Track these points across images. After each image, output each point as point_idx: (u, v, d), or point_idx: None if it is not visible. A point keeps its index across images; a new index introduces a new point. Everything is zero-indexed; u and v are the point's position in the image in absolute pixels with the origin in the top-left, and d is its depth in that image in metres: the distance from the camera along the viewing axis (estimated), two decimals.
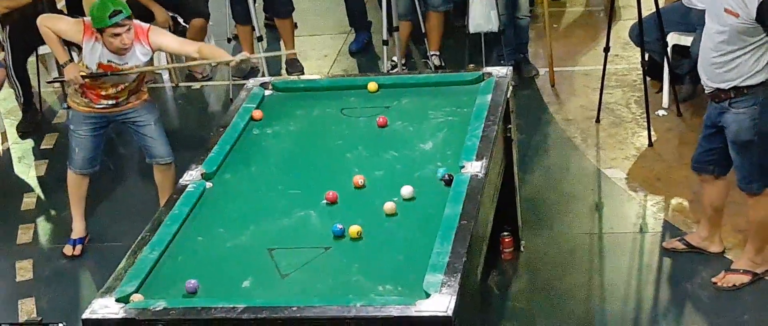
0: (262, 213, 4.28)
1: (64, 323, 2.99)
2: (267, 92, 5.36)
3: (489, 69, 5.30)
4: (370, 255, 3.93)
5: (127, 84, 5.58)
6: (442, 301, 3.47)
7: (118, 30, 5.25)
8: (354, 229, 4.02)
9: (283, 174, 4.63)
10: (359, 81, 5.48)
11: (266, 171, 4.67)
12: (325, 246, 4.00)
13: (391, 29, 7.28)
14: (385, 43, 7.29)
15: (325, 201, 4.31)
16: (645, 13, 6.55)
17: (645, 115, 6.62)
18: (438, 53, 7.75)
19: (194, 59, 5.48)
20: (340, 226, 4.04)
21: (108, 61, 5.43)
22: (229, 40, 7.80)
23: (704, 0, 4.92)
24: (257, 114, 5.11)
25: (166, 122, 7.79)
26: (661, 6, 6.58)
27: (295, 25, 8.72)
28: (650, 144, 6.53)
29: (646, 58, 6.73)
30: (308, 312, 3.51)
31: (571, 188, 6.23)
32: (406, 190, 4.26)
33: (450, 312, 3.43)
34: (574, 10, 8.96)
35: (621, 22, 8.19)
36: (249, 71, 7.89)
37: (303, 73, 7.91)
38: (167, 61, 8.11)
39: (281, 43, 8.20)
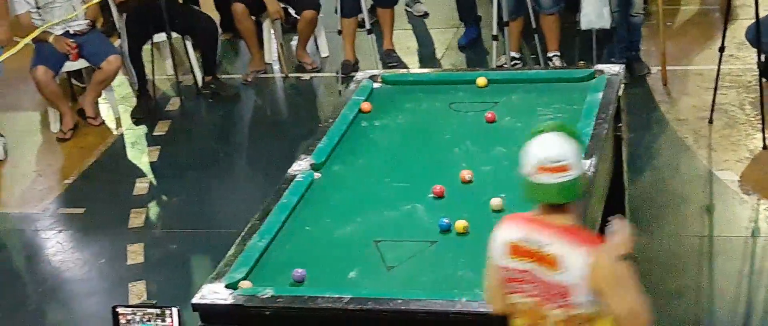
0: (368, 205, 4.30)
1: (178, 307, 3.02)
2: (376, 85, 5.38)
3: (600, 66, 5.25)
4: (476, 250, 3.90)
5: None
6: None
7: None
8: (461, 224, 4.02)
9: (391, 166, 4.65)
10: (468, 75, 5.47)
11: (374, 163, 4.69)
12: (431, 240, 4.01)
13: (501, 24, 7.24)
14: (495, 38, 7.25)
15: (431, 195, 4.31)
16: (762, 14, 6.40)
17: (760, 117, 6.47)
18: (559, 54, 7.65)
19: None
20: (446, 221, 4.04)
21: None
22: (339, 33, 7.83)
23: None
24: (366, 106, 5.13)
25: (275, 112, 7.93)
26: None
27: (426, 14, 8.87)
28: (765, 146, 6.38)
29: (763, 59, 6.58)
30: (413, 305, 3.52)
31: (681, 189, 6.12)
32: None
33: None
34: (688, 8, 8.79)
35: (737, 22, 8.01)
36: (354, 64, 7.92)
37: (399, 65, 7.90)
38: (279, 53, 8.20)
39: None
